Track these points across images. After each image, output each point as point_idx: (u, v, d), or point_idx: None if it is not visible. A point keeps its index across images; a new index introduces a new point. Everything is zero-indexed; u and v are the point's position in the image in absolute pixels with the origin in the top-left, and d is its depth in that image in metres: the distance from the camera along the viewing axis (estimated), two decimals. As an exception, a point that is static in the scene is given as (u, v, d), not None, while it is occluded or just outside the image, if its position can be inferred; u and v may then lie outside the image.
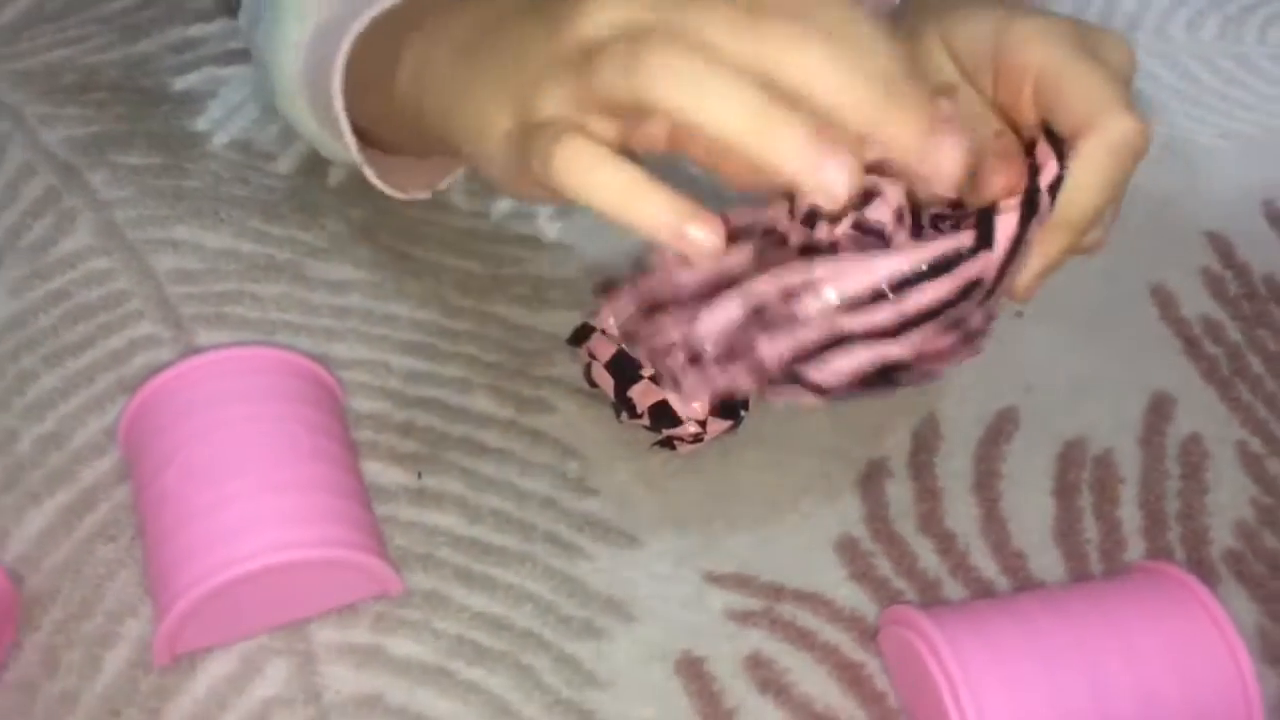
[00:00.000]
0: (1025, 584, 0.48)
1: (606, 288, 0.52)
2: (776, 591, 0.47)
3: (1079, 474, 0.51)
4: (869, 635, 0.46)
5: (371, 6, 0.47)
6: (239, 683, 0.43)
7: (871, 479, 0.51)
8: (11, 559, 0.46)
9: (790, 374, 0.38)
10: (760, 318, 0.37)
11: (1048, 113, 0.40)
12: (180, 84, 0.67)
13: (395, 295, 0.56)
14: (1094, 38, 0.40)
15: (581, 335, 0.53)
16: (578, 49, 0.34)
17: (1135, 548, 0.49)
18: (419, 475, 0.49)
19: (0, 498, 0.47)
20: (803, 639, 0.45)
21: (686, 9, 0.33)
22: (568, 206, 0.44)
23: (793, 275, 0.37)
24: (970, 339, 0.40)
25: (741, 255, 0.40)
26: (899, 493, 0.50)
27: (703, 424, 0.49)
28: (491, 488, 0.49)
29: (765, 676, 0.44)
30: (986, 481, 0.51)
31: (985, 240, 0.38)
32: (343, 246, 0.58)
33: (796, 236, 0.41)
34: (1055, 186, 0.40)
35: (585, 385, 0.53)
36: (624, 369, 0.50)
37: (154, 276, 0.56)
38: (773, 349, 0.37)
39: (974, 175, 0.40)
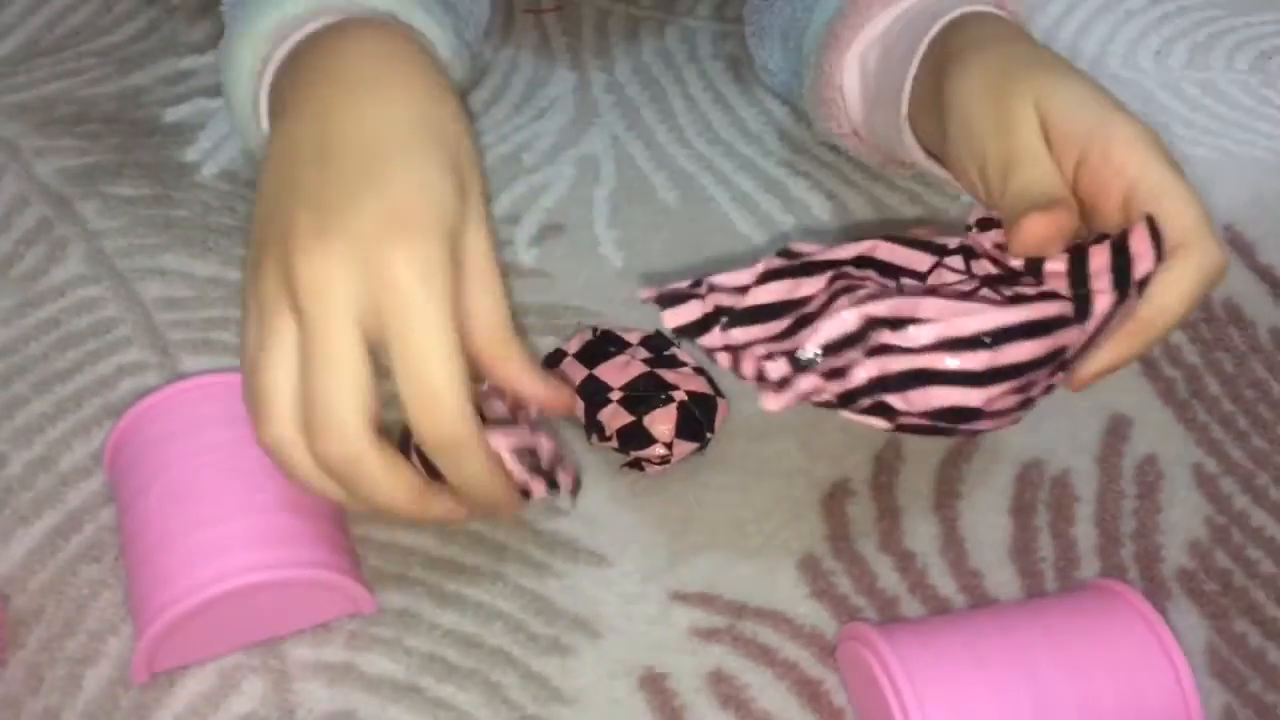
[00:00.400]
0: (981, 601, 0.49)
1: (555, 359, 0.54)
2: (739, 609, 0.48)
3: (1036, 494, 0.53)
4: (828, 652, 0.47)
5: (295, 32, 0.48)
6: (215, 699, 0.44)
7: (834, 499, 0.52)
8: (-1, 579, 0.47)
9: (875, 397, 0.39)
10: (864, 338, 0.39)
11: (1133, 213, 0.42)
12: (171, 115, 0.69)
13: (375, 321, 0.58)
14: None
15: (554, 360, 0.55)
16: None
17: (1089, 565, 0.50)
18: (394, 497, 0.51)
19: (-11, 520, 0.49)
20: (763, 655, 0.47)
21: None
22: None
23: (903, 305, 0.39)
24: (1026, 405, 0.42)
25: (816, 284, 0.42)
26: (861, 512, 0.52)
27: (669, 446, 0.51)
28: (464, 509, 0.51)
29: (726, 692, 0.46)
30: (946, 501, 0.52)
31: (1082, 313, 0.40)
32: (325, 274, 0.60)
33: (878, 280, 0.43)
34: (1143, 283, 0.41)
35: (557, 409, 0.54)
36: (593, 393, 0.52)
37: (142, 304, 0.58)
38: (866, 369, 0.39)
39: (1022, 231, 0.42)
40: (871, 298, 0.40)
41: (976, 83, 0.47)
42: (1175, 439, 0.55)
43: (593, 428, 0.52)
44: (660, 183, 0.67)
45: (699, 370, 0.53)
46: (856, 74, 0.59)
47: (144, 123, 0.69)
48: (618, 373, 0.52)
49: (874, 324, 0.39)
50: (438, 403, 0.39)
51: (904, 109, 0.54)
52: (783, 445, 0.54)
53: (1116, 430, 0.56)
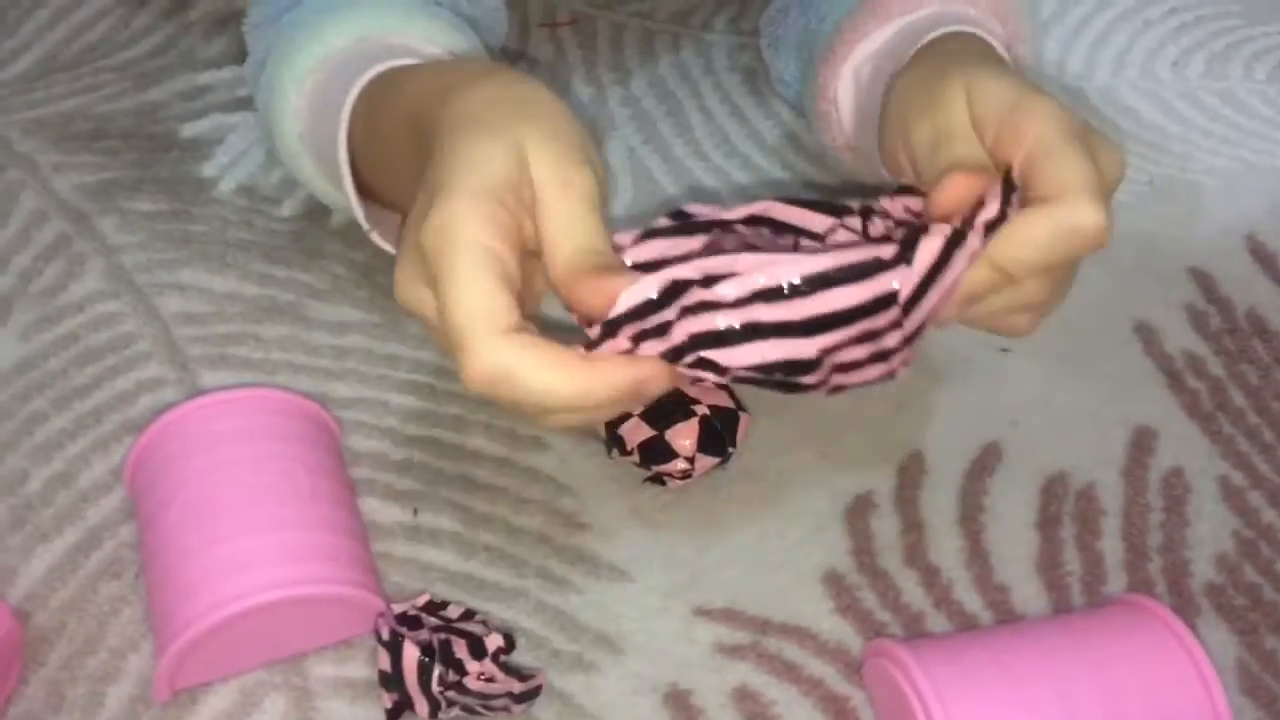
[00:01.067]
0: (1007, 616, 0.48)
1: None
2: (763, 625, 0.48)
3: (1061, 507, 0.52)
4: (854, 668, 0.46)
5: (358, 79, 0.50)
6: (237, 717, 0.44)
7: (857, 513, 0.52)
8: (19, 597, 0.47)
9: (698, 354, 0.39)
10: (679, 300, 0.39)
11: (1028, 181, 0.42)
12: (189, 131, 0.69)
13: (394, 336, 0.58)
14: (1095, 140, 0.44)
15: (574, 374, 0.55)
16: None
17: (1116, 580, 0.50)
18: (415, 512, 0.51)
19: (9, 537, 0.49)
20: (789, 672, 0.46)
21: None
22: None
23: (716, 263, 0.39)
24: (884, 357, 0.41)
25: (692, 244, 0.42)
26: (884, 527, 0.51)
27: (691, 460, 0.50)
28: (485, 524, 0.51)
29: (752, 709, 0.45)
30: (970, 515, 0.52)
31: (906, 257, 0.39)
32: (344, 288, 0.60)
33: (746, 237, 0.42)
34: (992, 227, 0.41)
35: (578, 423, 0.54)
36: (614, 407, 0.52)
37: (160, 319, 0.58)
38: (683, 329, 0.39)
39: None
40: (692, 259, 0.40)
41: (915, 74, 0.49)
42: (1201, 452, 0.55)
43: (613, 442, 0.52)
44: (677, 196, 0.67)
45: (721, 384, 0.53)
46: (851, 88, 0.59)
47: (161, 138, 0.69)
48: (639, 387, 0.52)
49: (681, 286, 0.39)
50: (459, 350, 0.39)
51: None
52: (804, 458, 0.54)
53: (1141, 443, 0.55)
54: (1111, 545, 0.51)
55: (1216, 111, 0.74)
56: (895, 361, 0.42)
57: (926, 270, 0.40)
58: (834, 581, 0.49)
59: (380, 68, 0.50)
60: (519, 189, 0.41)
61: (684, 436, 0.50)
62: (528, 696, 0.44)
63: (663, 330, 0.39)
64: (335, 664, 0.46)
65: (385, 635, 0.43)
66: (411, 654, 0.42)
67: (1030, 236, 0.41)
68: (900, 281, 0.39)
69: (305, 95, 0.53)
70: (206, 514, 0.44)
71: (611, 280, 0.39)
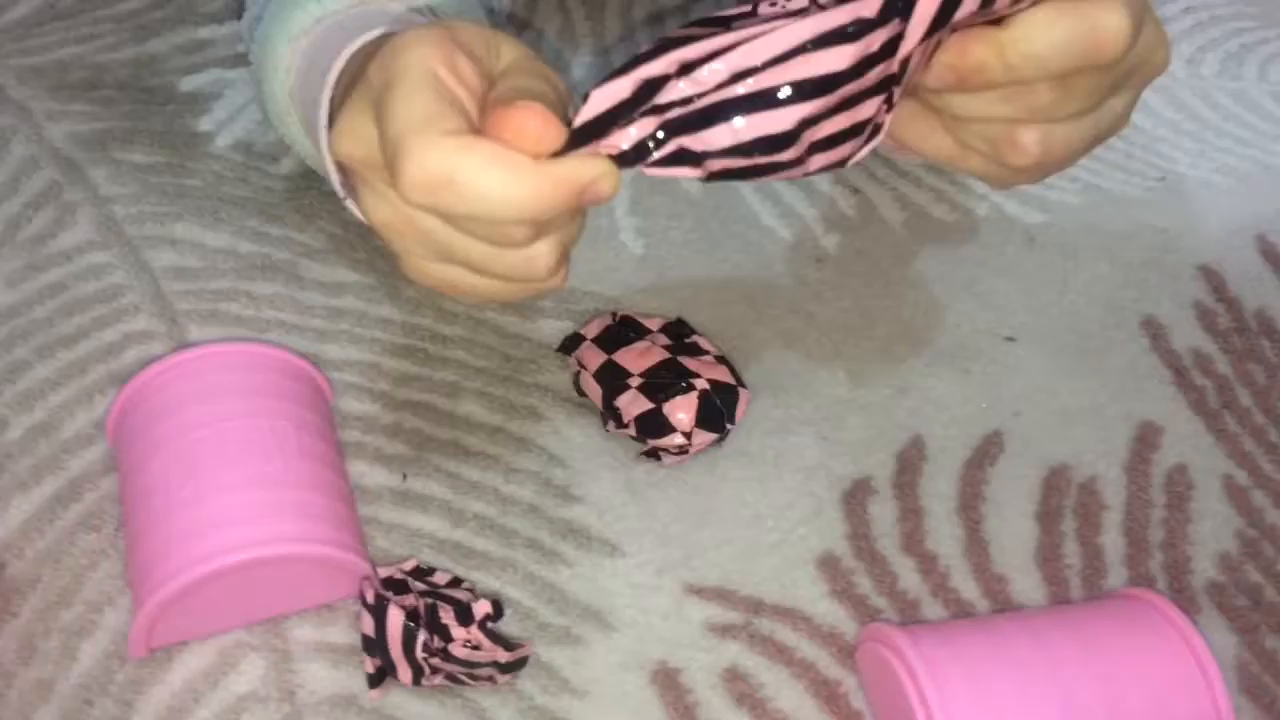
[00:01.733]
0: (1005, 607, 0.47)
1: (573, 343, 0.53)
2: (756, 605, 0.47)
3: (1063, 500, 0.51)
4: (847, 652, 0.45)
5: (348, 43, 0.48)
6: (214, 677, 0.43)
7: (855, 497, 0.51)
8: (-6, 546, 0.46)
9: (672, 145, 0.37)
10: (655, 98, 0.36)
11: None
12: (187, 85, 0.68)
13: (389, 298, 0.57)
14: (1149, 15, 0.41)
15: (571, 344, 0.54)
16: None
17: (1117, 575, 0.49)
18: (404, 477, 0.50)
19: (-14, 485, 0.48)
20: (780, 654, 0.45)
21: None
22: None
23: (690, 51, 0.36)
24: (860, 130, 0.39)
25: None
26: (882, 512, 0.50)
27: (688, 435, 0.49)
28: (475, 492, 0.49)
29: (741, 690, 0.44)
30: (970, 504, 0.51)
31: (893, 10, 0.36)
32: (339, 249, 0.59)
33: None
34: None
35: (574, 394, 0.53)
36: (612, 379, 0.51)
37: (150, 272, 0.57)
38: (655, 120, 0.36)
39: None
40: (658, 58, 0.37)
41: None
42: (1205, 450, 0.54)
43: (610, 414, 0.50)
44: (683, 171, 0.66)
45: (721, 359, 0.52)
46: None
47: (159, 91, 0.67)
48: (638, 359, 0.51)
49: (656, 83, 0.37)
50: (396, 156, 0.35)
51: None
52: (803, 440, 0.53)
53: (1146, 439, 0.54)
54: (1112, 540, 0.50)
55: (1229, 110, 0.74)
56: (874, 134, 0.39)
57: (924, 34, 0.38)
58: (829, 565, 0.48)
59: (375, 33, 0.48)
60: (485, 61, 0.38)
61: (682, 410, 0.49)
62: (514, 666, 0.42)
63: (633, 126, 0.36)
64: (316, 627, 0.45)
65: (370, 598, 0.42)
66: (396, 618, 0.41)
67: (1047, 31, 0.38)
68: (888, 38, 0.37)
69: (297, 54, 0.52)
70: (190, 468, 0.43)
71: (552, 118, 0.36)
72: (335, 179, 0.49)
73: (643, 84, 0.36)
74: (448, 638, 0.41)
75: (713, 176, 0.38)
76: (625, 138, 0.37)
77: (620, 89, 0.36)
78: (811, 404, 0.54)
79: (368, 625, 0.42)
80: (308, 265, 0.58)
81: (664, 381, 0.50)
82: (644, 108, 0.36)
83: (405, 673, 0.41)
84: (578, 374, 0.52)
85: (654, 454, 0.50)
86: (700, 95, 0.36)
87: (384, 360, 0.54)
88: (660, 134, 0.37)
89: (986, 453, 0.53)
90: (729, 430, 0.51)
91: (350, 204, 0.51)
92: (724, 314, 0.57)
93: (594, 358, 0.52)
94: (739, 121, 0.36)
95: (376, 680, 0.42)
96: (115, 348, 0.53)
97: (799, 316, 0.58)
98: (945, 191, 0.66)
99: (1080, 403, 0.56)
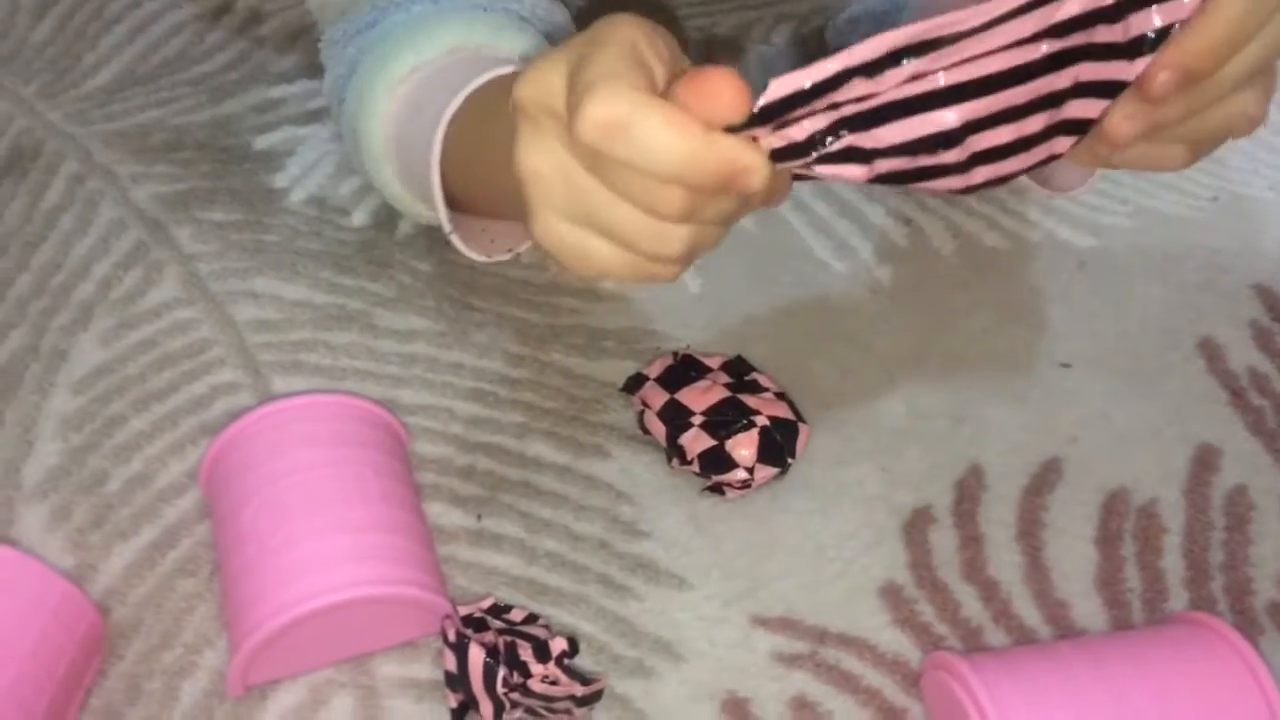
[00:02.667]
0: (1067, 632, 0.48)
1: (636, 383, 0.55)
2: (821, 635, 0.48)
3: (1122, 523, 0.52)
4: (912, 681, 0.47)
5: (460, 91, 0.51)
6: (305, 713, 0.45)
7: (916, 526, 0.52)
8: (99, 592, 0.49)
9: (845, 145, 0.37)
10: (833, 93, 0.37)
11: None
12: (261, 143, 0.71)
13: (459, 344, 0.59)
14: None
15: (635, 384, 0.56)
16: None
17: (1178, 598, 0.50)
18: (478, 517, 0.52)
19: (90, 535, 0.51)
20: (846, 683, 0.47)
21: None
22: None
23: (868, 47, 0.36)
24: (1029, 145, 0.39)
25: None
26: (943, 540, 0.52)
27: (751, 470, 0.51)
28: (547, 530, 0.51)
29: (809, 718, 0.46)
30: (1030, 530, 0.52)
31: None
32: (410, 297, 0.61)
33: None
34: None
35: (638, 432, 0.55)
36: (675, 417, 0.52)
37: (234, 326, 0.60)
38: (823, 117, 0.37)
39: None
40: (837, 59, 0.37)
41: None
42: (1265, 470, 0.54)
43: (674, 451, 0.52)
44: (738, 209, 0.68)
45: (780, 395, 0.54)
46: None
47: (235, 150, 0.71)
48: (699, 397, 0.53)
49: (840, 78, 0.36)
50: (582, 95, 0.37)
51: None
52: (863, 471, 0.54)
53: (1204, 460, 0.55)
54: (1173, 563, 0.51)
55: (1258, 137, 0.74)
56: (1040, 151, 0.39)
57: (1128, 43, 0.37)
58: (892, 594, 0.50)
59: (490, 75, 0.51)
60: (676, 56, 0.40)
61: (744, 447, 0.51)
62: (590, 700, 0.44)
63: (808, 119, 0.37)
64: (401, 664, 0.47)
65: (451, 637, 0.44)
66: (477, 655, 0.43)
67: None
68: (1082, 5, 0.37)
69: (396, 101, 0.55)
70: (280, 515, 0.46)
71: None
72: (444, 215, 0.52)
73: (825, 79, 0.36)
74: (527, 674, 0.43)
75: (878, 179, 0.38)
76: (800, 129, 0.38)
77: (799, 80, 0.36)
78: (870, 435, 0.56)
79: (450, 662, 0.44)
80: (380, 314, 0.61)
81: (726, 419, 0.52)
82: (821, 102, 0.37)
83: (487, 707, 0.44)
84: (642, 413, 0.54)
85: (718, 489, 0.52)
86: (876, 95, 0.37)
87: (456, 404, 0.56)
88: (835, 129, 0.37)
89: (1045, 479, 0.54)
90: (790, 464, 0.52)
91: (455, 238, 0.54)
92: (782, 348, 0.59)
93: (657, 397, 0.54)
94: (909, 120, 0.37)
95: (459, 715, 0.44)
96: (204, 400, 0.56)
97: (855, 348, 0.60)
98: (997, 219, 0.67)
99: (1137, 427, 0.56)
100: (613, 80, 0.37)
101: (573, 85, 0.38)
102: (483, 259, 0.58)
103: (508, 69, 0.52)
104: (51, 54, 0.78)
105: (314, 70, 0.63)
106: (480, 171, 0.52)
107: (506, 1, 0.60)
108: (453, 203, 0.55)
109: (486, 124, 0.50)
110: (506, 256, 0.59)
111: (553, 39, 0.62)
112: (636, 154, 0.37)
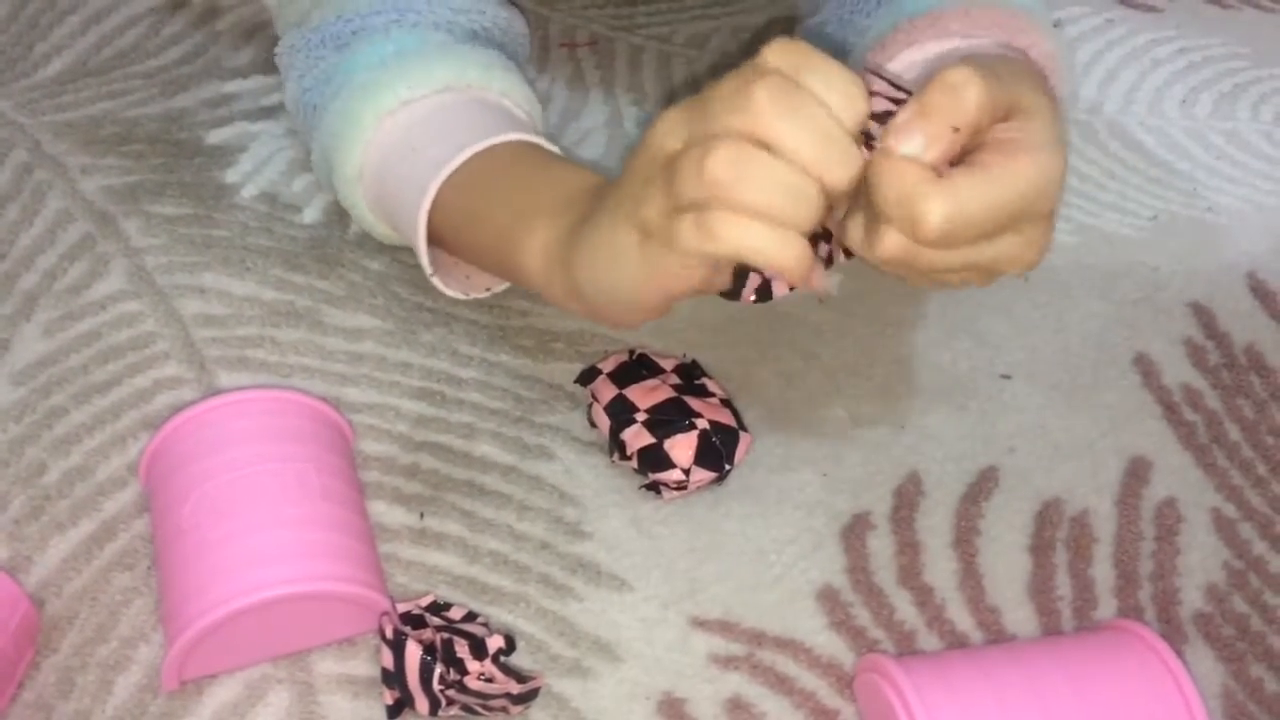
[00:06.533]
0: (998, 637, 0.49)
1: (589, 376, 0.56)
2: (758, 638, 0.49)
3: (1055, 533, 0.53)
4: (845, 683, 0.47)
5: (462, 149, 0.53)
6: (242, 709, 0.45)
7: (854, 532, 0.53)
8: (35, 584, 0.48)
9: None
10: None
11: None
12: (214, 138, 0.71)
13: (407, 343, 0.59)
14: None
15: (588, 377, 0.56)
16: (662, 162, 0.42)
17: (1107, 606, 0.51)
18: (421, 516, 0.52)
19: (27, 526, 0.50)
20: (782, 684, 0.47)
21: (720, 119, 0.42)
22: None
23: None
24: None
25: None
26: (880, 546, 0.52)
27: (687, 472, 0.52)
28: (490, 530, 0.52)
29: (744, 719, 0.46)
30: (965, 537, 0.53)
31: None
32: (359, 295, 0.61)
33: None
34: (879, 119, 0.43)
35: (584, 434, 0.55)
36: (620, 412, 0.53)
37: (180, 320, 0.60)
38: None
39: None
40: None
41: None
42: (1194, 483, 0.56)
43: (615, 445, 0.53)
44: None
45: (726, 402, 0.54)
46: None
47: (187, 144, 0.70)
48: (646, 395, 0.53)
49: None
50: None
51: None
52: (804, 477, 0.55)
53: (1136, 472, 0.56)
54: (1103, 571, 0.52)
55: (1222, 150, 0.76)
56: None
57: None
58: (829, 598, 0.50)
59: (491, 141, 0.53)
60: None
61: (682, 448, 0.52)
62: (526, 698, 0.45)
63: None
64: (338, 660, 0.47)
65: (389, 634, 0.44)
66: (414, 652, 0.43)
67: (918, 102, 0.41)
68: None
69: (383, 132, 0.56)
70: (219, 510, 0.46)
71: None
72: (424, 257, 0.55)
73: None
74: (463, 671, 0.43)
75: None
76: None
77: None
78: (812, 441, 0.56)
79: (387, 659, 0.44)
80: (329, 312, 0.61)
81: (668, 419, 0.52)
82: None
83: (423, 704, 0.44)
84: (590, 405, 0.55)
85: (654, 487, 0.53)
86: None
87: (403, 403, 0.57)
88: None
89: (982, 488, 0.55)
90: (728, 470, 0.53)
91: (436, 280, 0.56)
92: (729, 355, 0.60)
93: (606, 391, 0.54)
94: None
95: (395, 712, 0.44)
96: (147, 393, 0.56)
97: (801, 356, 0.60)
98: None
99: (1073, 438, 0.58)
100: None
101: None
102: (460, 296, 0.58)
103: (512, 136, 0.53)
104: (2, 42, 0.77)
105: (269, 66, 0.63)
106: (467, 236, 0.54)
107: (470, 13, 0.60)
108: (430, 237, 0.55)
109: (481, 190, 0.52)
110: (484, 295, 0.60)
111: (510, 49, 0.62)
112: (821, 77, 0.43)
